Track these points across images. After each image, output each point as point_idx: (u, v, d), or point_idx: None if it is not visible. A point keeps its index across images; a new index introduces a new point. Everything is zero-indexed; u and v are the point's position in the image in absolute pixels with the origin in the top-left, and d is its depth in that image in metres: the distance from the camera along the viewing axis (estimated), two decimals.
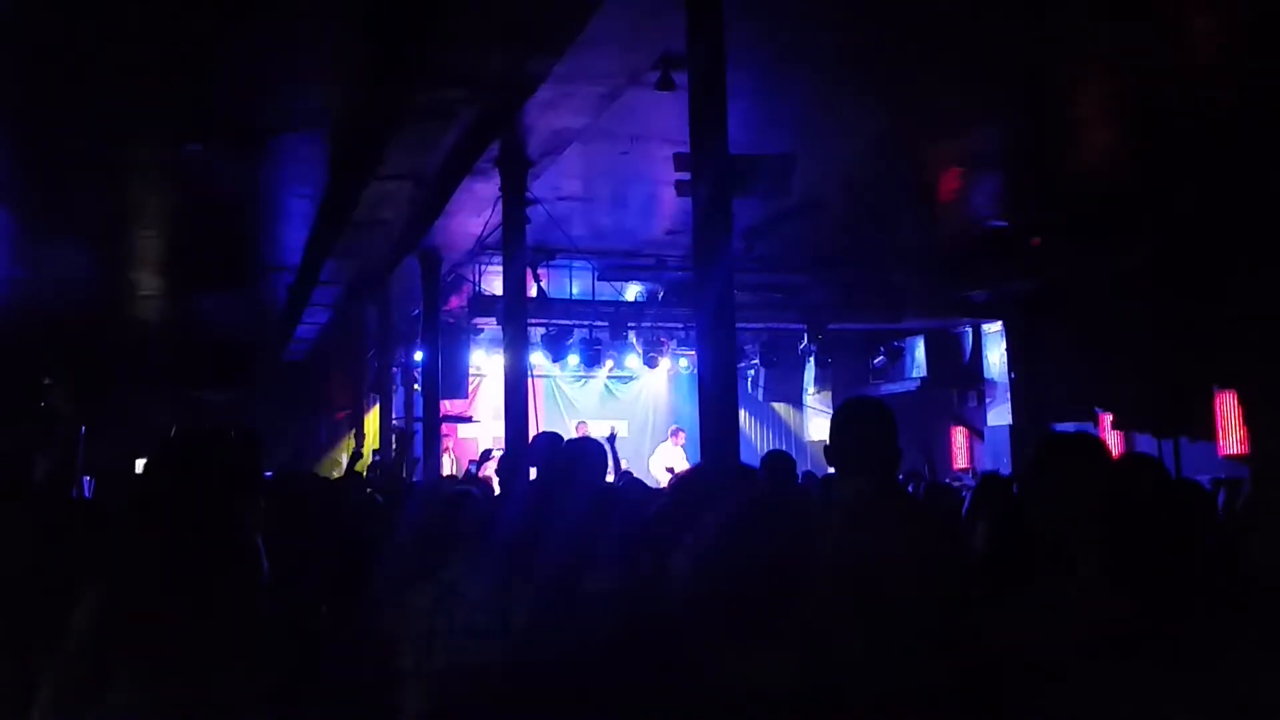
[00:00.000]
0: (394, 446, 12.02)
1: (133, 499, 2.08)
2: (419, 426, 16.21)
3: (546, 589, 2.74)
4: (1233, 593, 2.06)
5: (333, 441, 20.81)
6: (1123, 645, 1.88)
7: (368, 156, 9.36)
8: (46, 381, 16.95)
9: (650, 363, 16.92)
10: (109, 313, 17.40)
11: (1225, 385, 12.40)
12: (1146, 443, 12.95)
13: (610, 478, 8.74)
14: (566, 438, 3.80)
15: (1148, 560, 1.94)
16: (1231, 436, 12.32)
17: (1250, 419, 11.86)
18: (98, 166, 10.19)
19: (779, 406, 20.38)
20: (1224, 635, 1.87)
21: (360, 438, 19.05)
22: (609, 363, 17.41)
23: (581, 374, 19.12)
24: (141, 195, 11.62)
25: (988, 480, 5.24)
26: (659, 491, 6.62)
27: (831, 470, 3.70)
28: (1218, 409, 12.51)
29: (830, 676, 1.78)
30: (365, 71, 8.05)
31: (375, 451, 17.84)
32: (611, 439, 10.69)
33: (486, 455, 13.74)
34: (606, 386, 20.26)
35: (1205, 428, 12.45)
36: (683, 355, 17.56)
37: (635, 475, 10.41)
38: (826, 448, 3.30)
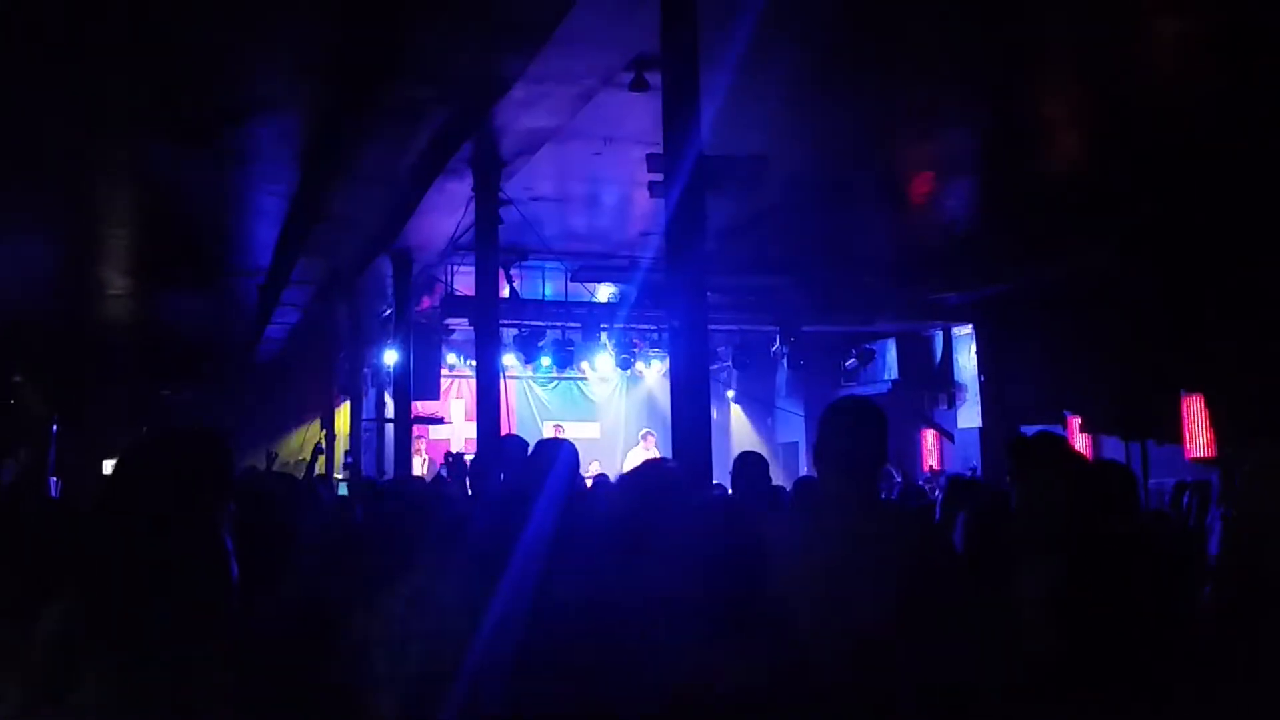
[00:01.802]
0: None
1: (102, 499, 2.05)
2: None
3: (518, 592, 2.73)
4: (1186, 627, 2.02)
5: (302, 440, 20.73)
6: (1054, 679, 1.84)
7: (339, 155, 9.31)
8: (17, 379, 16.75)
9: (623, 364, 16.93)
10: (77, 313, 17.23)
11: (1192, 389, 12.52)
12: (1114, 445, 13.06)
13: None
14: (536, 440, 3.80)
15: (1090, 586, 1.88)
16: (1199, 440, 12.44)
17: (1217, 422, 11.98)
18: (65, 164, 10.08)
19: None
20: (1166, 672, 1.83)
21: (330, 438, 18.94)
22: (584, 365, 17.43)
23: (554, 376, 19.10)
24: (110, 193, 11.51)
25: (956, 483, 5.26)
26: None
27: (804, 471, 3.71)
28: (1185, 412, 12.62)
29: (805, 678, 1.78)
30: (336, 70, 8.01)
31: (347, 453, 17.74)
32: None
33: (458, 457, 13.68)
34: (579, 388, 20.27)
35: (1172, 431, 12.56)
36: (656, 358, 17.57)
37: (609, 478, 10.42)
38: (813, 445, 3.29)
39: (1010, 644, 1.91)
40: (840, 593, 2.50)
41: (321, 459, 16.40)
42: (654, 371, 18.64)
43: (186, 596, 1.73)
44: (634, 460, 16.72)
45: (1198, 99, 8.82)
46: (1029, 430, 3.62)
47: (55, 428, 13.98)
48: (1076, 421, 13.88)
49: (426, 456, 17.18)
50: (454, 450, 15.13)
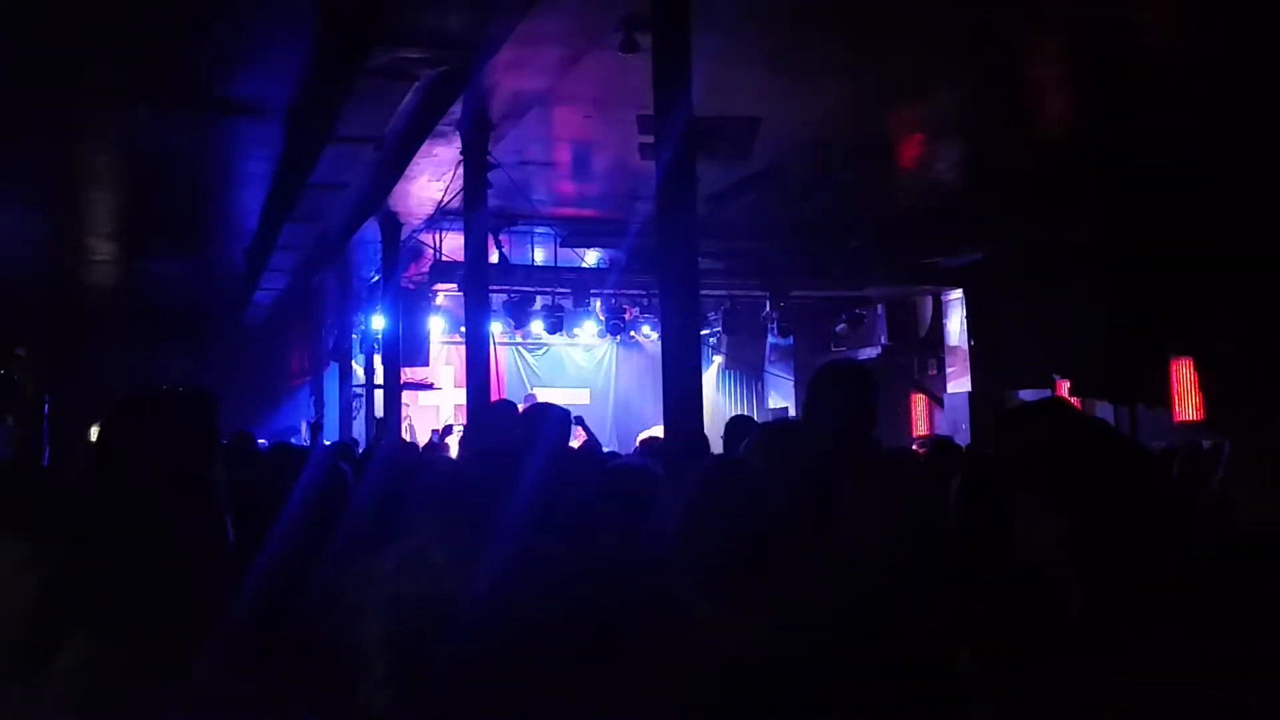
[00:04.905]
0: None
1: (90, 462, 2.02)
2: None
3: (511, 553, 2.71)
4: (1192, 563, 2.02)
5: (293, 408, 20.62)
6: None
7: (326, 118, 9.22)
8: (18, 352, 16.64)
9: (612, 330, 16.89)
10: (62, 279, 17.11)
11: (1182, 353, 12.55)
12: (1103, 410, 13.09)
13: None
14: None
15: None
16: (1187, 403, 12.49)
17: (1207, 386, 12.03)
18: (48, 128, 9.97)
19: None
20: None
21: (321, 405, 18.89)
22: (577, 330, 17.42)
23: (544, 342, 19.06)
24: (94, 158, 11.40)
25: (938, 444, 5.27)
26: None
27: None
28: (1174, 376, 12.66)
29: (806, 638, 1.76)
30: (323, 31, 7.91)
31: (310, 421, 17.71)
32: (579, 421, 10.70)
33: (449, 430, 13.68)
34: (569, 354, 20.24)
35: (1161, 394, 12.60)
36: (646, 323, 17.52)
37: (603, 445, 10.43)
38: (803, 408, 3.31)
39: (1033, 601, 1.89)
40: (844, 552, 2.50)
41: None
42: (651, 339, 18.55)
43: (178, 558, 1.70)
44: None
45: (1188, 61, 8.78)
46: (1025, 395, 3.61)
47: (48, 397, 13.93)
48: (1065, 386, 13.91)
49: (411, 423, 17.14)
50: (446, 423, 15.15)
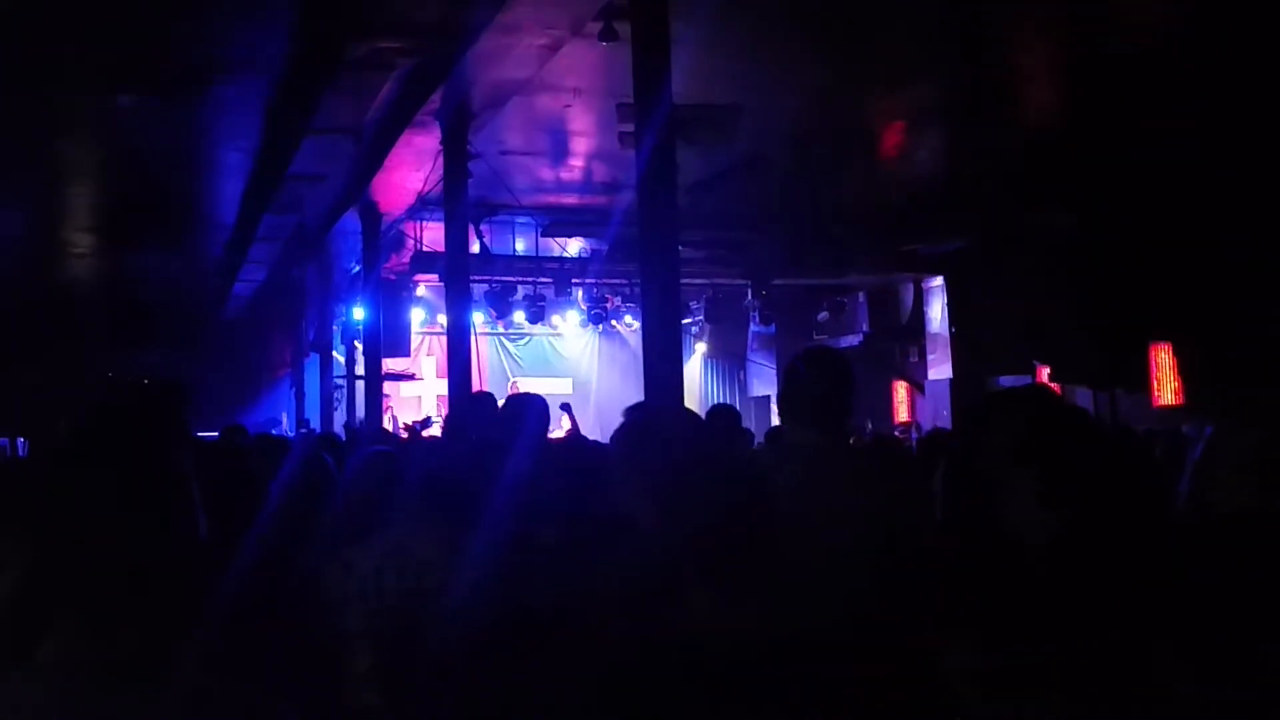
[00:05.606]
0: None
1: (60, 453, 2.00)
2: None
3: (495, 544, 2.71)
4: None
5: (275, 400, 20.54)
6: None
7: (304, 108, 9.16)
8: None
9: (594, 319, 16.87)
10: (40, 272, 16.98)
11: (1161, 338, 12.62)
12: (1083, 395, 13.15)
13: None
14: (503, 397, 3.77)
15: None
16: (1166, 388, 12.56)
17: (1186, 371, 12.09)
18: (26, 121, 9.88)
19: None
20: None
21: (301, 397, 18.82)
22: (559, 320, 17.39)
23: (526, 331, 19.05)
24: (73, 150, 11.30)
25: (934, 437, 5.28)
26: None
27: (777, 422, 3.72)
28: (1153, 361, 12.73)
29: (789, 623, 1.76)
30: (300, 22, 7.86)
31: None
32: (565, 407, 10.74)
33: (427, 422, 13.66)
34: (551, 344, 20.22)
35: (1141, 379, 12.67)
36: (627, 313, 17.53)
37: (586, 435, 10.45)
38: (780, 396, 3.30)
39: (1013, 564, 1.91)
40: (826, 538, 2.50)
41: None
42: (633, 328, 18.56)
43: (149, 551, 1.69)
44: None
45: (1168, 49, 8.81)
46: (1005, 381, 3.62)
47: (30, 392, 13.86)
48: (1045, 371, 13.96)
49: (394, 415, 17.11)
50: (425, 416, 15.12)
